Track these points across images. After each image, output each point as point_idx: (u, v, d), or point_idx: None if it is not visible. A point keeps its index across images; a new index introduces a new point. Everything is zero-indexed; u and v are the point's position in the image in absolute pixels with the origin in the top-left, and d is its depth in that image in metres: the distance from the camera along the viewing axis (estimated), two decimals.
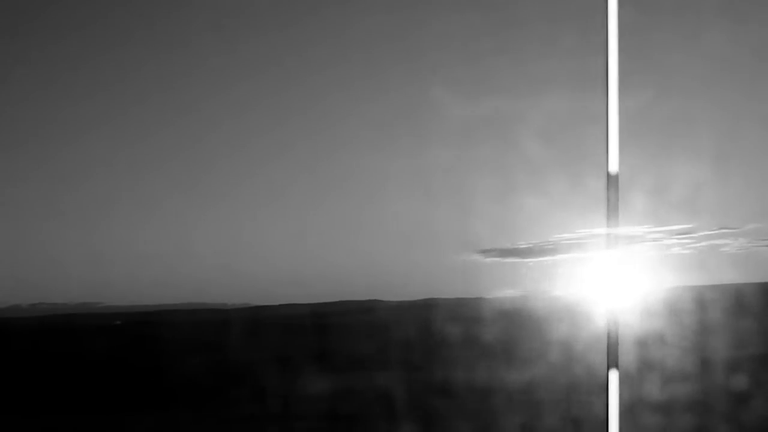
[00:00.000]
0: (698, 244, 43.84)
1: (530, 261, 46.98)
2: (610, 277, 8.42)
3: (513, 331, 33.29)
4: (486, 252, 50.49)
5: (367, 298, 77.98)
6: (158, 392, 34.82)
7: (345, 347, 38.16)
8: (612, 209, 8.06)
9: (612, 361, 8.37)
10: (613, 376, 8.39)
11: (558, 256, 42.20)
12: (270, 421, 27.24)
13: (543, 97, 35.23)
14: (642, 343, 25.70)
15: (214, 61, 57.63)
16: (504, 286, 46.45)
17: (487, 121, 39.03)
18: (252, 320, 59.07)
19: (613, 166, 8.11)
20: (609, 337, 8.29)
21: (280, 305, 68.20)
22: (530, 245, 45.54)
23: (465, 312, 38.27)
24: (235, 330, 51.80)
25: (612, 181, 8.06)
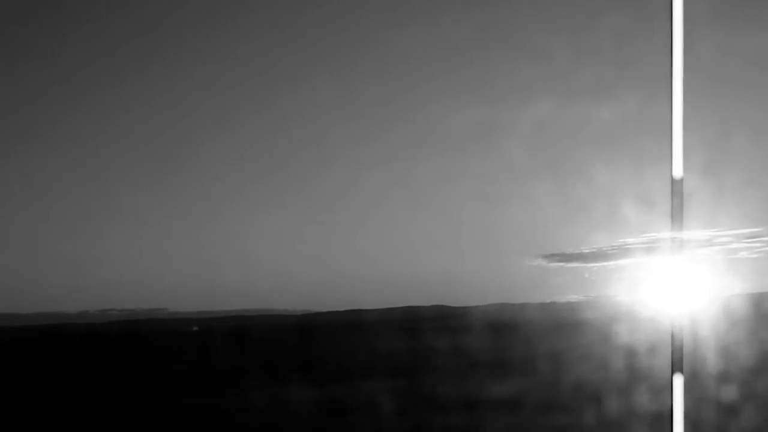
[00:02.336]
0: (767, 248, 43.29)
1: (594, 266, 46.73)
2: (675, 281, 8.42)
3: (576, 336, 33.12)
4: (550, 257, 50.31)
5: (433, 303, 77.98)
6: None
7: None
8: (676, 213, 8.07)
9: (677, 366, 8.38)
10: (678, 381, 8.41)
11: (622, 261, 41.93)
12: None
13: (605, 102, 35.08)
14: (707, 348, 25.53)
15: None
16: (568, 290, 46.28)
17: (551, 126, 38.94)
18: (329, 323, 59.28)
19: (678, 171, 8.13)
20: (673, 341, 8.30)
21: (345, 311, 68.56)
22: (594, 250, 45.30)
23: (529, 317, 38.17)
24: (319, 332, 52.01)
25: (676, 185, 8.08)
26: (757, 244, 41.89)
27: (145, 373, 39.98)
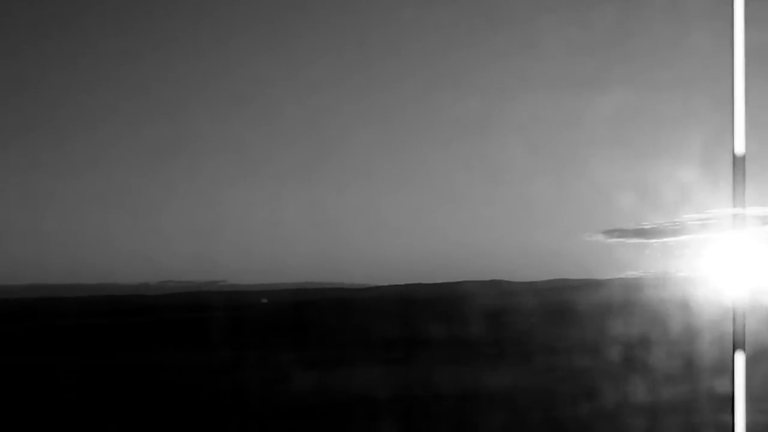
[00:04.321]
0: None
1: (654, 242, 46.32)
2: (737, 258, 8.37)
3: (636, 313, 32.90)
4: (609, 232, 49.97)
5: (491, 278, 77.75)
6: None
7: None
8: (738, 190, 8.02)
9: (738, 343, 8.34)
10: (740, 358, 8.37)
11: (683, 237, 41.52)
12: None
13: (666, 79, 34.73)
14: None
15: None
16: (628, 267, 45.92)
17: (611, 102, 38.61)
18: (400, 298, 59.35)
19: (740, 147, 8.08)
20: (735, 319, 8.26)
21: (404, 285, 68.64)
22: (655, 226, 44.89)
23: (589, 293, 37.96)
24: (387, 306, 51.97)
25: (738, 162, 8.03)
26: None
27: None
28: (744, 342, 8.44)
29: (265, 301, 79.69)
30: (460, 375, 31.08)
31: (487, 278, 78.45)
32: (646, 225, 48.24)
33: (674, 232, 44.30)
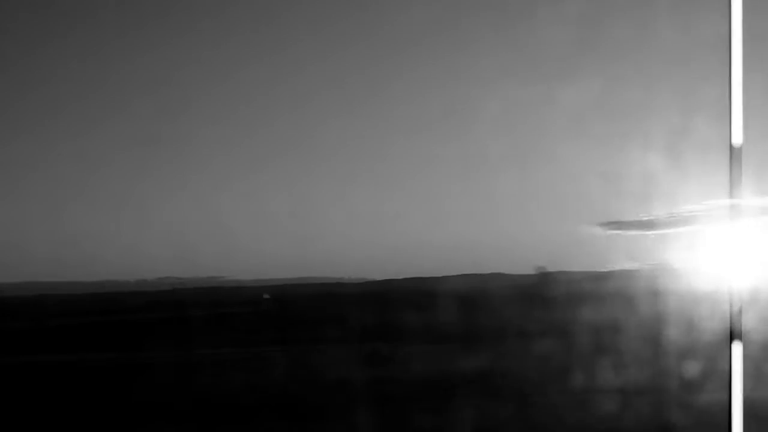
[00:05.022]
0: None
1: (651, 233, 46.37)
2: (734, 249, 8.40)
3: (633, 305, 32.92)
4: (606, 224, 50.05)
5: (489, 271, 77.76)
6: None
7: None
8: (735, 181, 8.04)
9: (735, 334, 8.38)
10: (737, 349, 8.41)
11: (680, 229, 41.56)
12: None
13: (661, 70, 34.76)
14: (765, 316, 25.32)
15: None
16: (625, 259, 45.98)
17: (605, 92, 38.64)
18: (413, 291, 59.33)
19: (737, 138, 8.10)
20: (731, 310, 8.29)
21: (407, 279, 68.74)
22: (652, 217, 44.95)
23: (585, 286, 37.98)
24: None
25: (735, 153, 8.05)
26: None
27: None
28: (741, 333, 8.48)
29: (267, 296, 79.55)
30: (469, 361, 31.11)
31: (488, 271, 78.45)
32: (643, 217, 48.33)
33: (672, 224, 44.33)
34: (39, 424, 26.14)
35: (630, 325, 31.97)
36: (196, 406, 26.85)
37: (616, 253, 46.59)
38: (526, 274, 64.58)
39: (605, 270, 44.98)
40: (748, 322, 8.58)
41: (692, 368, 24.20)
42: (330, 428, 24.38)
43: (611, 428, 22.57)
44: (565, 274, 55.35)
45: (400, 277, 73.63)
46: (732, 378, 8.56)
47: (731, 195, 8.18)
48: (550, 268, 59.50)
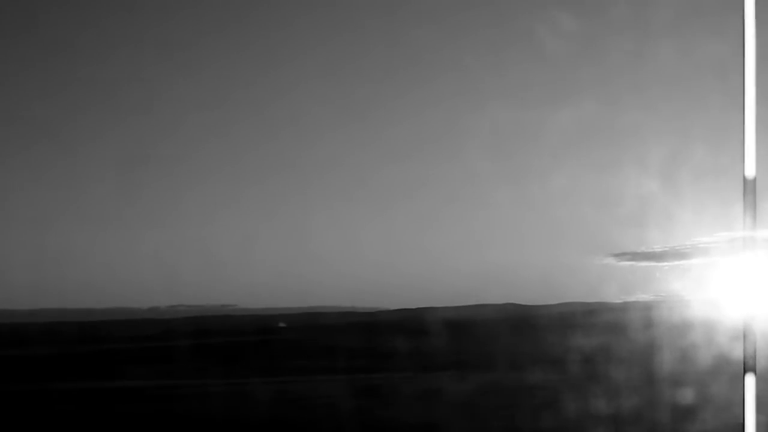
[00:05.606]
0: None
1: (665, 265, 46.27)
2: (748, 280, 8.38)
3: (647, 335, 32.85)
4: (620, 255, 49.97)
5: (504, 301, 77.88)
6: None
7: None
8: (749, 213, 8.04)
9: (749, 366, 8.34)
10: (750, 380, 8.37)
11: (694, 260, 41.43)
12: None
13: (677, 103, 34.82)
14: None
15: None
16: (638, 290, 45.92)
17: (623, 124, 38.75)
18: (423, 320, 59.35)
19: (750, 170, 8.10)
20: (745, 341, 8.27)
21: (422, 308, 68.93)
22: (666, 249, 44.84)
23: (599, 316, 37.92)
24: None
25: (749, 185, 8.04)
26: None
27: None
28: (755, 364, 8.45)
29: (283, 325, 79.81)
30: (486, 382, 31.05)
31: (501, 302, 78.48)
32: (657, 248, 48.22)
33: (685, 255, 44.27)
34: None
35: (636, 355, 31.85)
36: None
37: (629, 284, 46.41)
38: (545, 304, 64.25)
39: (619, 301, 44.85)
40: (762, 354, 8.56)
41: (698, 398, 24.10)
42: None
43: None
44: (577, 305, 55.04)
45: (403, 307, 73.26)
46: (745, 410, 8.52)
47: (744, 227, 8.18)
48: (570, 299, 58.89)
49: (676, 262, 43.92)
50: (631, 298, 42.49)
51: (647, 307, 36.56)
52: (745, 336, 8.33)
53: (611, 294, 49.76)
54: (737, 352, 8.64)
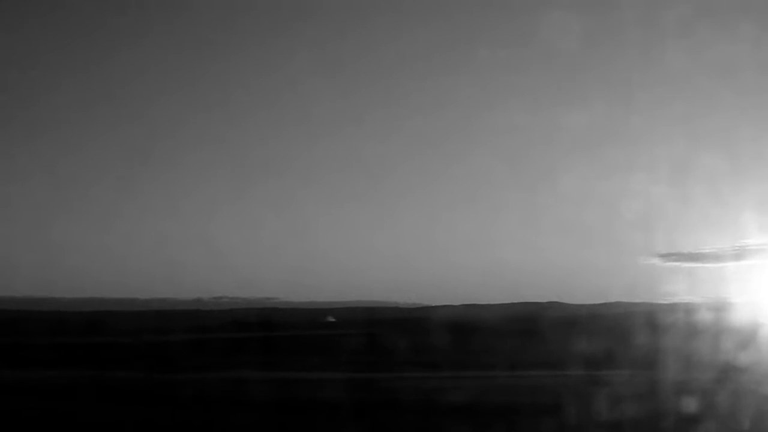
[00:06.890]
0: None
1: (711, 266, 45.81)
2: None
3: (690, 337, 32.48)
4: (666, 256, 49.56)
5: (547, 300, 77.63)
6: None
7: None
8: None
9: None
10: None
11: (741, 262, 40.98)
12: None
13: (722, 105, 34.65)
14: None
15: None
16: (683, 291, 45.49)
17: (671, 126, 38.58)
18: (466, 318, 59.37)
19: None
20: None
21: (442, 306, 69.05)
22: (713, 250, 44.42)
23: (643, 316, 37.50)
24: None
25: None
26: None
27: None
28: None
29: (332, 319, 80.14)
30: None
31: (545, 300, 78.13)
32: (704, 249, 47.63)
33: (732, 257, 43.70)
34: None
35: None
36: None
37: (675, 285, 46.00)
38: (586, 303, 63.93)
39: (665, 302, 44.39)
40: None
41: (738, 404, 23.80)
42: None
43: None
44: (621, 305, 54.50)
45: (445, 303, 73.17)
46: None
47: None
48: (612, 299, 58.42)
49: (723, 264, 43.41)
50: (676, 299, 42.03)
51: (690, 308, 36.03)
52: None
53: (655, 294, 49.29)
54: None
